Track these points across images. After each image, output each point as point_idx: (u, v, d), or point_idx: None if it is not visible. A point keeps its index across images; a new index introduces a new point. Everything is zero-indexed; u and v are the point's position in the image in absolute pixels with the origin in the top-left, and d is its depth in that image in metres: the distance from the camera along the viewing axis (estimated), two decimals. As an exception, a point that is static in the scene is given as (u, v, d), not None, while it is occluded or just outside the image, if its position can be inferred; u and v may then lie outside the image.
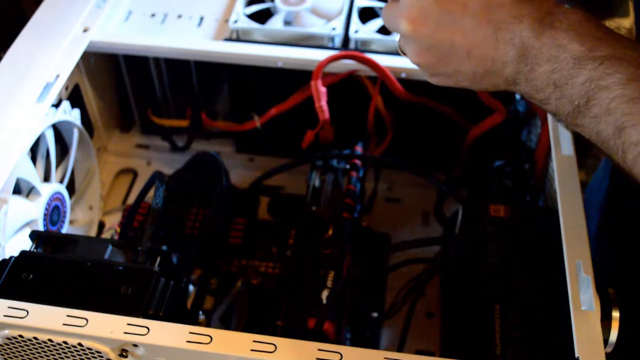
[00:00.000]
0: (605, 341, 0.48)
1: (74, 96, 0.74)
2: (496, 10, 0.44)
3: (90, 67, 0.76)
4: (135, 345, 0.48)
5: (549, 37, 0.43)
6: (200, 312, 0.65)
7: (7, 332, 0.48)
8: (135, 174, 0.85)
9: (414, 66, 0.50)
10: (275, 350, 0.46)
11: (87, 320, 0.48)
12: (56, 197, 0.67)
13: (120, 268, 0.53)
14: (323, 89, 0.68)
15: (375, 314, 0.69)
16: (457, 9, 0.45)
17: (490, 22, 0.44)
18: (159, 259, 0.56)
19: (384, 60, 0.68)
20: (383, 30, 0.73)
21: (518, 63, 0.45)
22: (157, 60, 0.77)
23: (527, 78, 0.45)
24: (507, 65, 0.45)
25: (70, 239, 0.58)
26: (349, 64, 0.69)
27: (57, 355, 0.50)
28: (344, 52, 0.69)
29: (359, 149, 0.71)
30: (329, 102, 0.68)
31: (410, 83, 0.69)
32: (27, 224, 0.62)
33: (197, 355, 0.47)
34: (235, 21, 0.73)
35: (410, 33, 0.46)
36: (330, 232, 0.63)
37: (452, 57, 0.46)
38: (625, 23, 0.67)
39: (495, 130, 0.72)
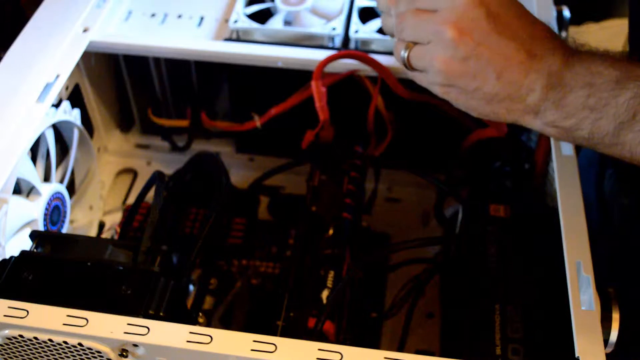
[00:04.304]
0: (605, 341, 0.48)
1: (74, 96, 0.74)
2: (537, 41, 0.47)
3: (90, 67, 0.76)
4: (135, 345, 0.48)
5: (581, 66, 0.46)
6: (200, 312, 0.65)
7: (7, 332, 0.48)
8: (135, 174, 0.85)
9: None
10: (275, 350, 0.46)
11: (87, 320, 0.48)
12: (56, 197, 0.67)
13: (120, 268, 0.53)
14: (323, 89, 0.68)
15: (375, 314, 0.69)
16: (507, 32, 0.46)
17: (529, 51, 0.46)
18: (159, 259, 0.55)
19: (384, 60, 0.68)
20: (383, 31, 0.73)
21: (547, 92, 0.47)
22: (157, 60, 0.77)
23: (557, 105, 0.47)
24: (532, 93, 0.47)
25: (70, 239, 0.58)
26: (349, 64, 0.69)
27: (57, 355, 0.50)
28: (344, 52, 0.69)
29: (359, 149, 0.71)
30: (329, 102, 0.68)
31: (411, 82, 0.69)
32: (27, 224, 0.62)
33: (197, 355, 0.47)
34: (235, 21, 0.73)
35: (453, 40, 0.46)
36: (330, 232, 0.63)
37: (481, 74, 0.47)
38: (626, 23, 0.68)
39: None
